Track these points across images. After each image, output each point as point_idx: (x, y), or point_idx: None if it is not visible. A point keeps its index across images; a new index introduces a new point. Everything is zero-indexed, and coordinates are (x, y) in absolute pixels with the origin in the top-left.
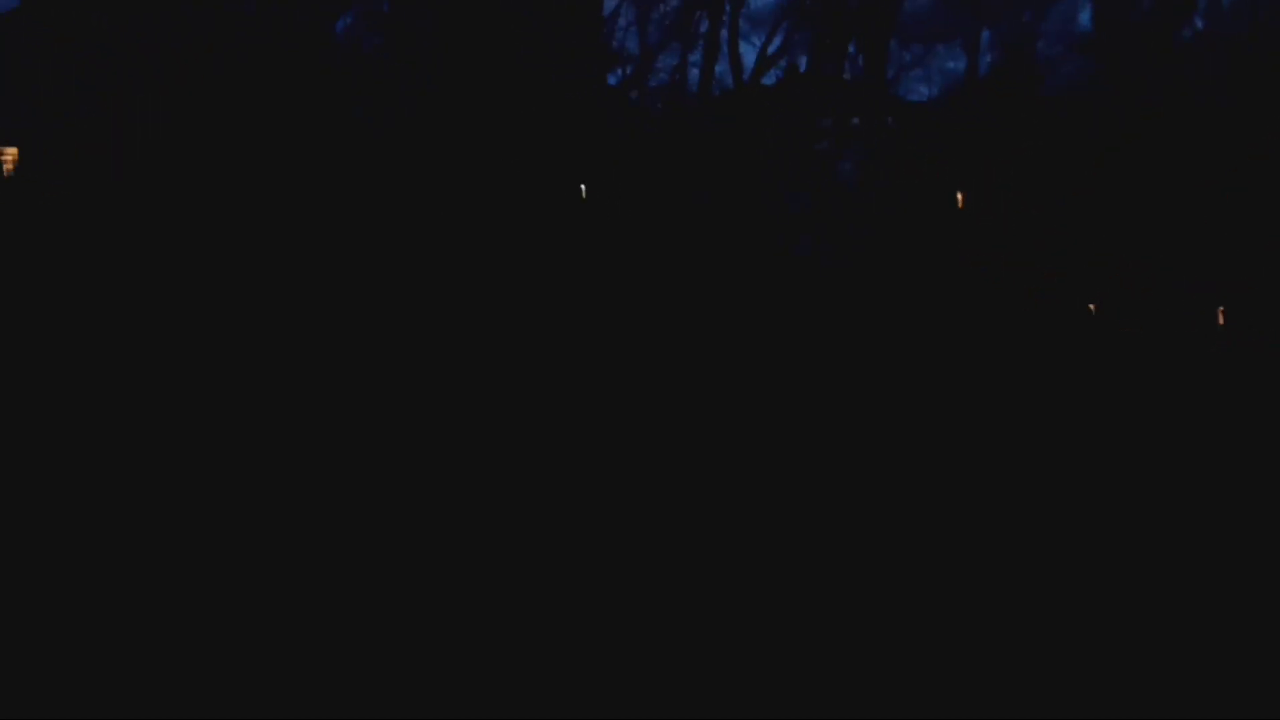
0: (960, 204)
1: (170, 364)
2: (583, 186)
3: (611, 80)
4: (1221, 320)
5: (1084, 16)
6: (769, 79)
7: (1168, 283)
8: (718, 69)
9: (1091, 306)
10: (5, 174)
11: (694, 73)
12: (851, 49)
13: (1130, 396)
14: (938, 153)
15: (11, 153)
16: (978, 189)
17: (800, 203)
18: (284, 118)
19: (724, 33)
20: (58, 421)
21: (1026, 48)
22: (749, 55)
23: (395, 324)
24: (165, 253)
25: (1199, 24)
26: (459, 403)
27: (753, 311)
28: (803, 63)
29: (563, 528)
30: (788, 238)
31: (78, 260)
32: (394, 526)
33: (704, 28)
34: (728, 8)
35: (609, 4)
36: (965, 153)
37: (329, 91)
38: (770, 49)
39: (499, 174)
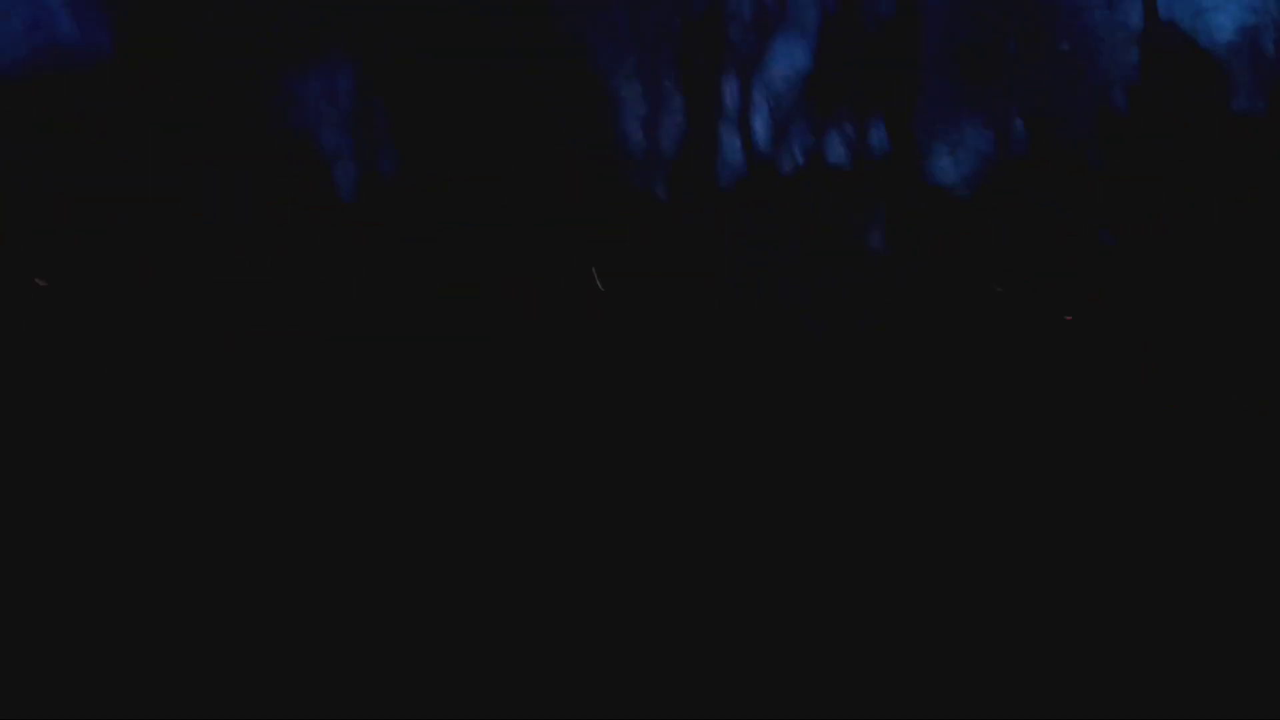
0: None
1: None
2: (594, 274)
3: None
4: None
5: (1115, 95)
6: (785, 160)
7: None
8: (727, 148)
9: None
10: None
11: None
12: (876, 128)
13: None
14: (970, 237)
15: None
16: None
17: (810, 286)
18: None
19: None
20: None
21: (1057, 126)
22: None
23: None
24: None
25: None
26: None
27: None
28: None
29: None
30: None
31: None
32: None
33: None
34: (733, 81)
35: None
36: (998, 237)
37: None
38: (789, 126)
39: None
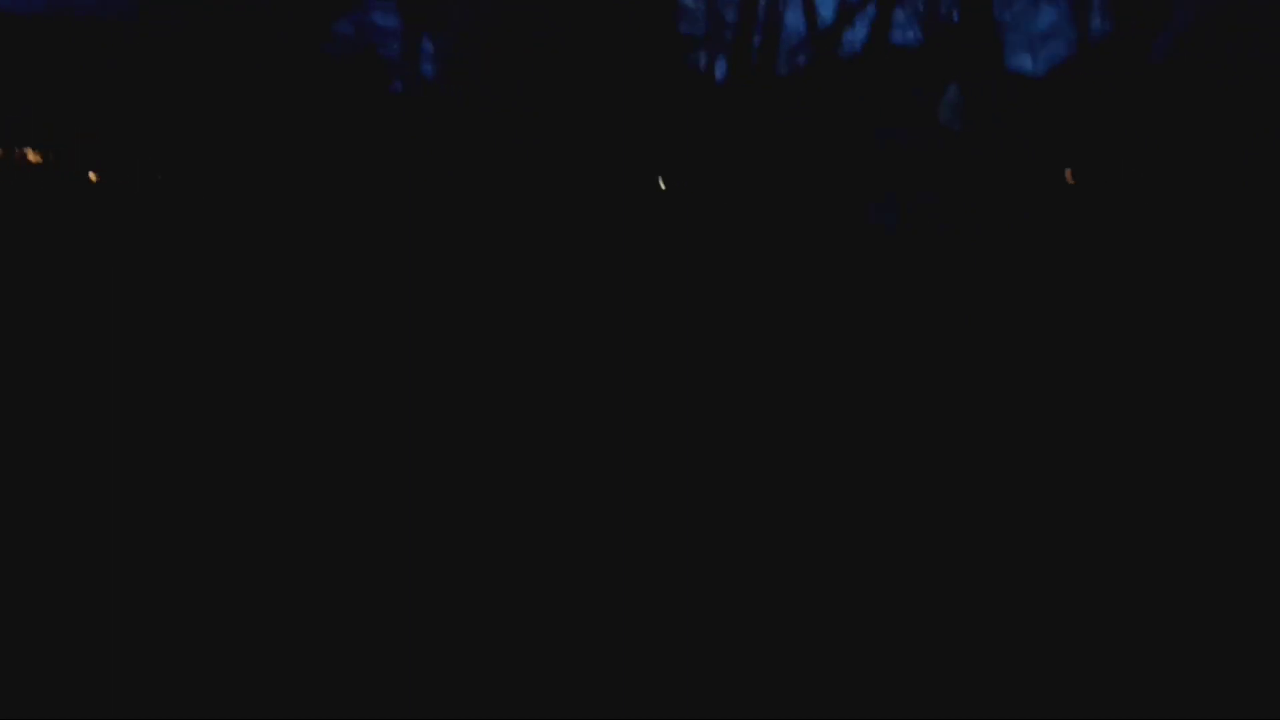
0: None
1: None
2: (659, 177)
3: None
4: None
5: None
6: (850, 39)
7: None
8: (788, 20)
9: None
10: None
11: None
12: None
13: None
14: (1045, 125)
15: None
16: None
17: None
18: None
19: None
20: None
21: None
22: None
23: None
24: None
25: None
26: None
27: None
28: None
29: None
30: (859, 210)
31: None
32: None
33: None
34: None
35: None
36: (1074, 126)
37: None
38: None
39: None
